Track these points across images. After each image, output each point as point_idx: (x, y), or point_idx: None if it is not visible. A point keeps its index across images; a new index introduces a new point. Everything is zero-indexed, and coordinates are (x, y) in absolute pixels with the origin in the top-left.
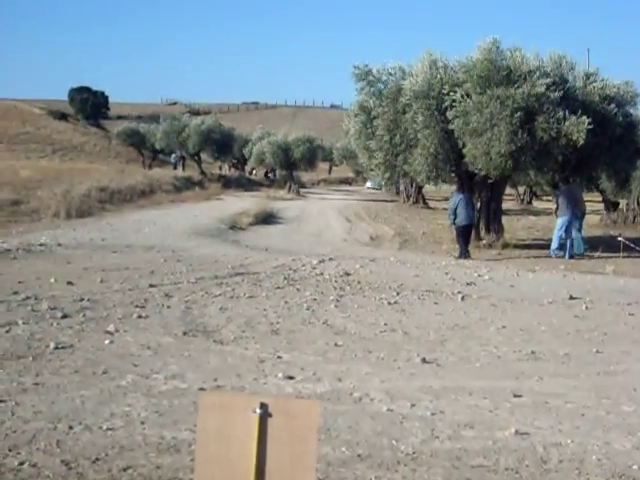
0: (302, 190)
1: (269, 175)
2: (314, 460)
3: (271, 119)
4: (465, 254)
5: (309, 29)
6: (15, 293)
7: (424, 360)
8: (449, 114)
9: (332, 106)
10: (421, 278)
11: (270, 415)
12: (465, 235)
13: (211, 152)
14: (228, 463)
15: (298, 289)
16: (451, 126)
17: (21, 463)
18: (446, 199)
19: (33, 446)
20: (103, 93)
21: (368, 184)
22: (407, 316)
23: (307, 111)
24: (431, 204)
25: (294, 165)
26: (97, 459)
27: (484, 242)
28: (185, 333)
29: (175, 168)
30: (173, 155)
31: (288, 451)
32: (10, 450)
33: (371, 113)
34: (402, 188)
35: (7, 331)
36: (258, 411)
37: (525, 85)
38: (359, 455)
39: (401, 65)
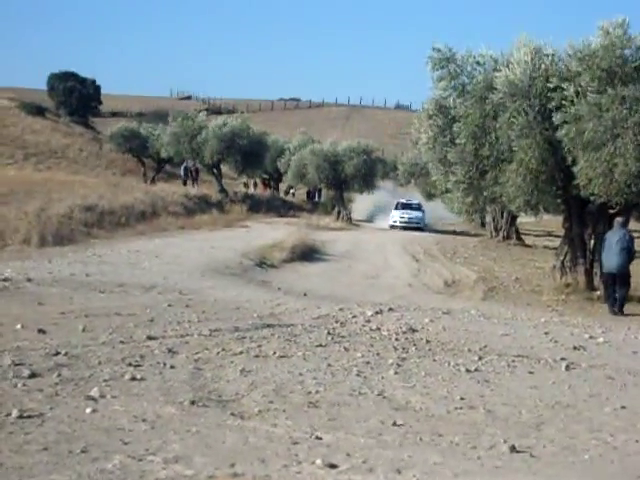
0: (355, 217)
1: (313, 196)
2: None
3: (316, 122)
4: (612, 308)
5: (366, 8)
6: None
7: (513, 448)
8: (556, 119)
9: (398, 107)
10: (512, 339)
11: None
12: (611, 285)
13: (235, 164)
14: None
15: (346, 348)
16: (558, 135)
17: None
18: (548, 234)
19: None
20: (94, 82)
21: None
22: (491, 389)
23: (364, 112)
24: (528, 240)
25: (345, 183)
26: None
27: (598, 293)
28: (193, 402)
29: (185, 184)
30: (183, 166)
31: None
32: None
33: (450, 115)
34: (489, 219)
35: None
36: None
37: None
38: None
39: (493, 54)
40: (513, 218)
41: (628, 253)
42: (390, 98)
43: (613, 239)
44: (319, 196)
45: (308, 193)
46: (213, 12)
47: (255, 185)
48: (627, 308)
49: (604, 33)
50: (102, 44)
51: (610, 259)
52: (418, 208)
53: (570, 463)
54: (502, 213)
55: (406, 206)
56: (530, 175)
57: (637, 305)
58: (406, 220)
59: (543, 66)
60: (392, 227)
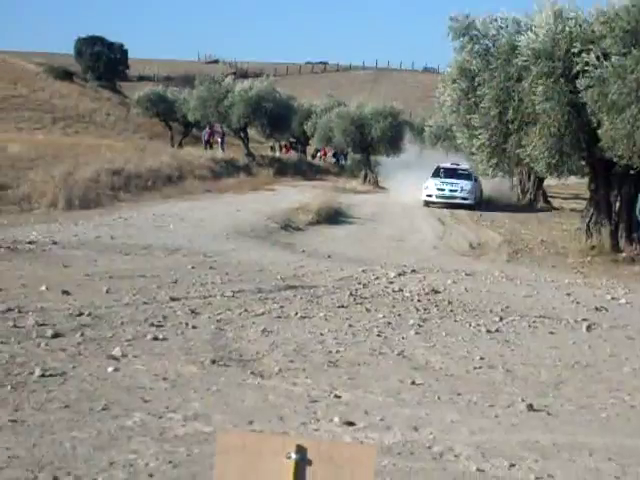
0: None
1: (338, 159)
2: None
3: (344, 85)
4: None
5: None
6: None
7: (531, 407)
8: (580, 82)
9: (425, 69)
10: (534, 300)
11: (309, 462)
12: None
13: (262, 127)
14: None
15: (368, 309)
16: (582, 98)
17: None
18: (576, 197)
19: None
20: (121, 46)
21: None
22: (512, 349)
23: (391, 75)
24: (555, 203)
25: (371, 147)
26: None
27: (624, 255)
28: (214, 361)
29: (208, 147)
30: (204, 131)
31: None
32: None
33: (475, 79)
34: (515, 181)
35: None
36: (294, 456)
37: None
38: None
39: (516, 17)
40: (540, 181)
41: None
42: (418, 61)
43: None
44: (345, 159)
45: (334, 155)
46: None
47: (281, 148)
48: None
49: None
50: (130, 8)
51: None
52: (468, 176)
53: (587, 421)
54: (529, 176)
55: (450, 173)
56: (553, 138)
57: None
58: (447, 194)
59: (567, 29)
60: (428, 203)
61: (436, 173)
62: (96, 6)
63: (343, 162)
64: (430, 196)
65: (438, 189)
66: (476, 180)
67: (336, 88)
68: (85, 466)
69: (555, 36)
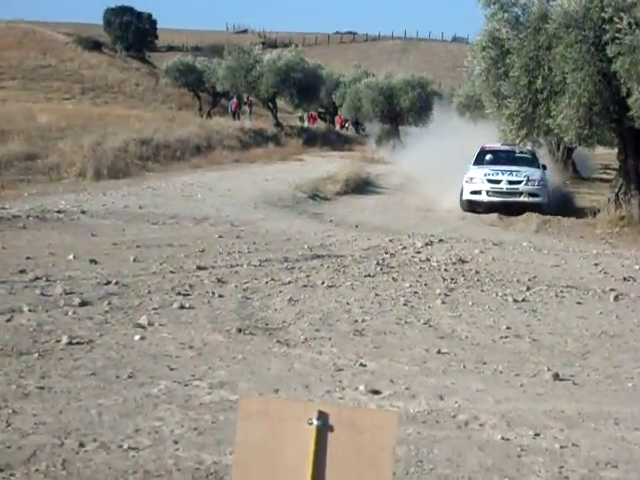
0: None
1: (360, 129)
2: None
3: (372, 55)
4: None
5: None
6: (22, 272)
7: (557, 376)
8: (610, 50)
9: (455, 39)
10: (562, 270)
11: (331, 428)
12: None
13: (290, 97)
14: None
15: (394, 278)
16: (613, 67)
17: None
18: (606, 167)
19: (32, 466)
20: (150, 16)
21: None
22: (538, 318)
23: (420, 45)
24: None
25: (400, 117)
26: None
27: None
28: (240, 330)
29: (235, 118)
30: (231, 102)
31: (353, 476)
32: (2, 470)
33: (504, 47)
34: (545, 150)
35: (8, 320)
36: (315, 422)
37: None
38: None
39: None
40: (570, 151)
41: None
42: (447, 31)
43: None
44: (362, 128)
45: (356, 124)
46: None
47: (309, 119)
48: None
49: None
50: None
51: None
52: (531, 161)
53: (613, 391)
54: (558, 146)
55: (501, 157)
56: (583, 107)
57: None
58: (506, 189)
59: None
60: (472, 205)
61: (479, 159)
62: None
63: (361, 132)
64: (477, 193)
65: (490, 181)
66: (544, 167)
67: (364, 58)
68: (111, 432)
69: (587, 4)
